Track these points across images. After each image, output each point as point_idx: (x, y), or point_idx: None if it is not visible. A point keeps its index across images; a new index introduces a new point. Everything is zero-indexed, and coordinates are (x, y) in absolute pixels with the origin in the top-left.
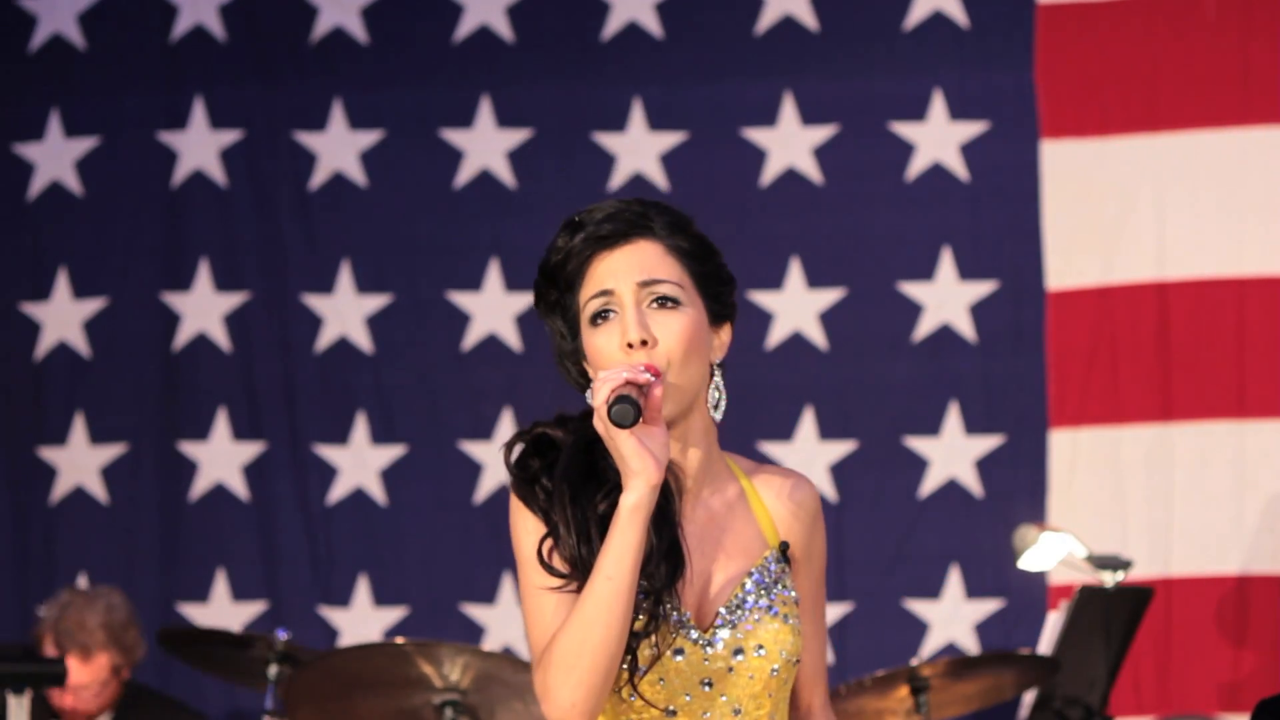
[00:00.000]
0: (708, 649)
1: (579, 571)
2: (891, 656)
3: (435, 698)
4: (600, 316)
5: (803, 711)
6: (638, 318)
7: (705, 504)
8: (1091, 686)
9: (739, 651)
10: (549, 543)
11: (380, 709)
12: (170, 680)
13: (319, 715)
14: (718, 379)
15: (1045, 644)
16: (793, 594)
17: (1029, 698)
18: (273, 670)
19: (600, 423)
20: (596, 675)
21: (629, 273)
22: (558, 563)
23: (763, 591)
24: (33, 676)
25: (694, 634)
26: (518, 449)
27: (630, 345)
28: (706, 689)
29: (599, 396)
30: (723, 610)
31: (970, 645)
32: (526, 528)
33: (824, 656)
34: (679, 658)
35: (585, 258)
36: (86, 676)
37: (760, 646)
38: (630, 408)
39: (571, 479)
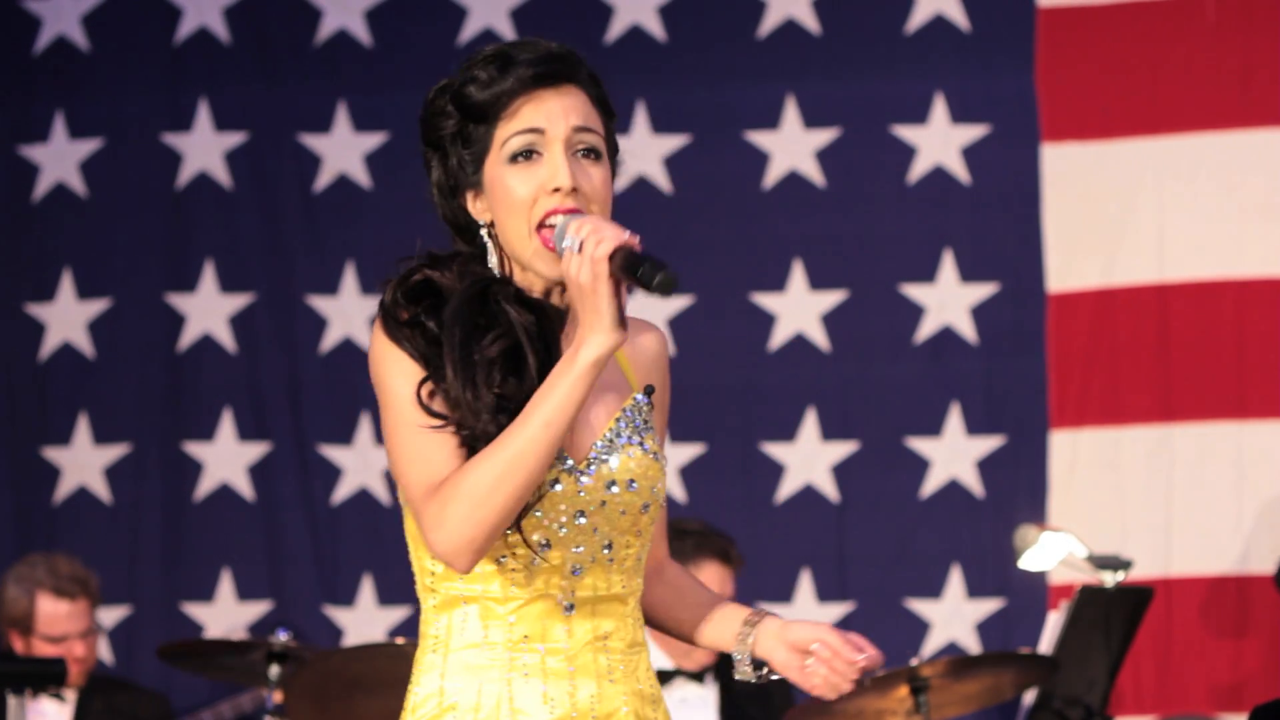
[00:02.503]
0: (582, 479)
1: (466, 414)
2: (892, 656)
3: None
4: (522, 155)
5: (655, 564)
6: (568, 163)
7: None
8: (1091, 686)
9: (612, 484)
10: (428, 385)
11: (380, 709)
12: (172, 686)
13: (319, 715)
14: None
15: (1045, 644)
16: (657, 436)
17: (1029, 698)
18: (273, 671)
19: (592, 272)
20: (503, 516)
21: (564, 115)
22: (438, 405)
23: (634, 430)
24: (33, 676)
25: (569, 463)
26: (390, 289)
27: (558, 189)
28: (580, 521)
29: (604, 247)
30: (598, 444)
31: (971, 645)
32: (401, 370)
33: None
34: (555, 488)
35: (513, 92)
36: (83, 620)
37: (633, 481)
38: (672, 274)
39: (464, 322)
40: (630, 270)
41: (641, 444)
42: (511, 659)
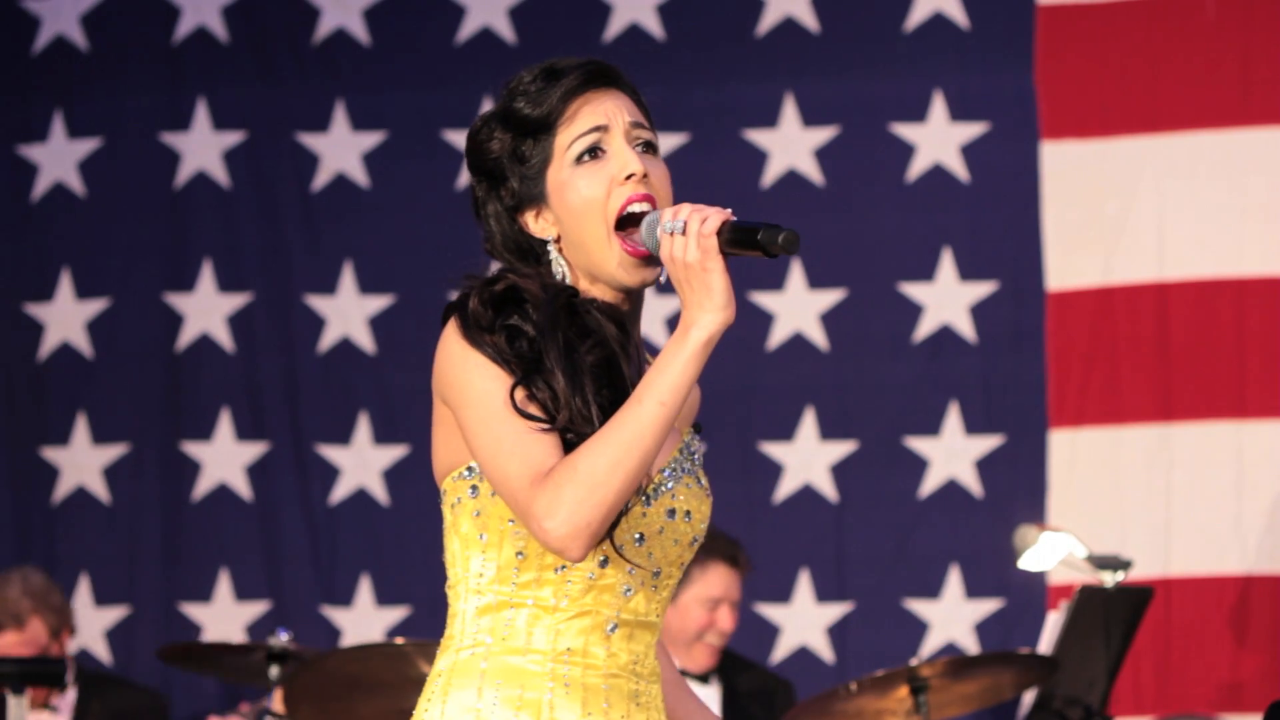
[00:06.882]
0: (647, 503)
1: (576, 419)
2: (891, 656)
3: None
4: (589, 154)
5: None
6: (635, 153)
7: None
8: (1091, 686)
9: (672, 512)
10: (520, 391)
11: (380, 709)
12: (172, 688)
13: (319, 715)
14: None
15: (1045, 644)
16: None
17: (1029, 698)
18: (273, 671)
19: (700, 249)
20: (619, 499)
21: (620, 112)
22: (534, 409)
23: (692, 463)
24: (33, 676)
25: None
26: (472, 299)
27: (630, 176)
28: (639, 544)
29: (710, 223)
30: (664, 470)
31: (970, 645)
32: (485, 374)
33: None
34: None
35: (566, 98)
36: (27, 646)
37: (689, 513)
38: (793, 233)
39: (563, 329)
40: (746, 239)
41: (698, 479)
42: (554, 670)
